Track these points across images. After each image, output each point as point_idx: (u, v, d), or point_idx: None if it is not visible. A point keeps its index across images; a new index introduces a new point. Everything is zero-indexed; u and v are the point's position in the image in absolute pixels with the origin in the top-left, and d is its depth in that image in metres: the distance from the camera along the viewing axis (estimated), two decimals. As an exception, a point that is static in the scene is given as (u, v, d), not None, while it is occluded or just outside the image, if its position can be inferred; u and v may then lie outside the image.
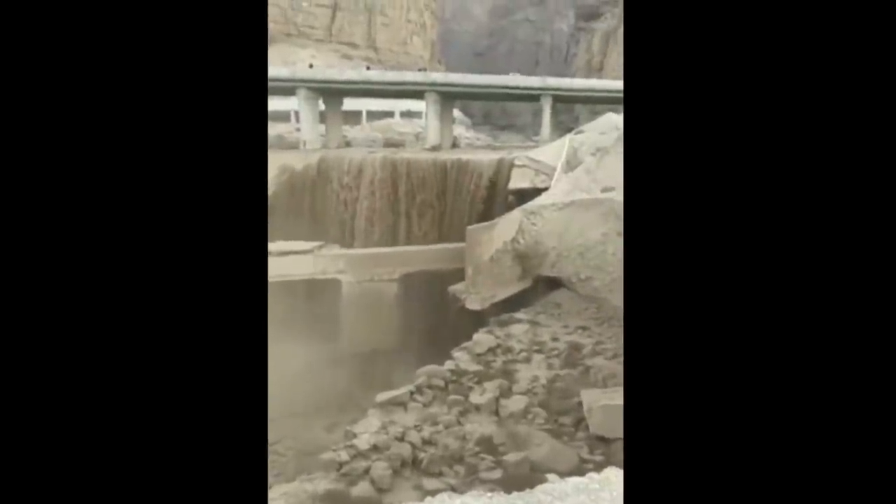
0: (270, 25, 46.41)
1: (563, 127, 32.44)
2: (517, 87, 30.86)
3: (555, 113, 30.83)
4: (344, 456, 7.83)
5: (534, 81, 31.05)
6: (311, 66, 34.97)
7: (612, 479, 3.85)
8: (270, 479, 9.84)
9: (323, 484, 7.48)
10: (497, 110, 58.03)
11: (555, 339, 11.25)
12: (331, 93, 28.82)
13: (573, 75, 47.21)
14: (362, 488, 7.30)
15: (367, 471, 7.58)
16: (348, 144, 29.92)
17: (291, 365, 14.35)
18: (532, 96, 30.96)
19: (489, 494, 4.03)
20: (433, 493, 6.72)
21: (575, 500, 3.63)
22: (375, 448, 7.99)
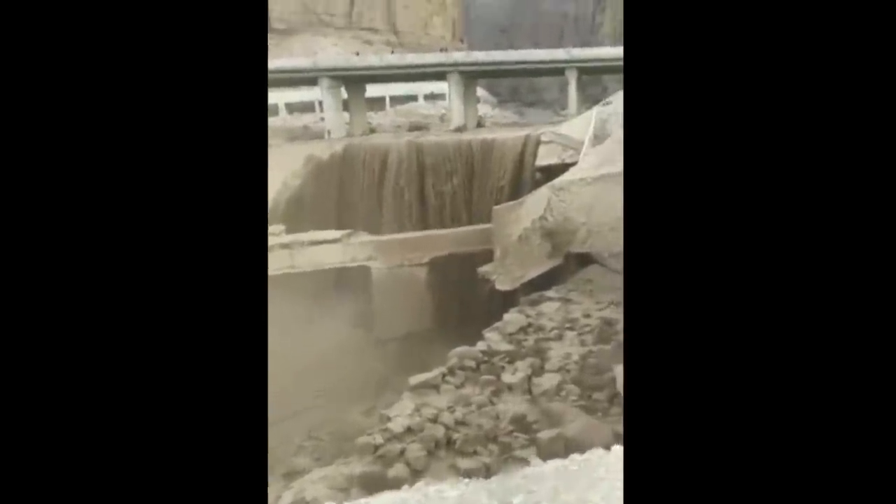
0: (291, 16, 46.61)
1: (591, 99, 31.65)
2: (541, 62, 30.18)
3: (581, 85, 30.08)
4: (379, 439, 7.94)
5: (558, 54, 30.27)
6: (357, 54, 35.15)
7: (593, 461, 3.72)
8: (310, 464, 10.10)
9: (359, 467, 7.62)
10: (524, 86, 56.94)
11: (587, 316, 11.09)
12: (353, 80, 28.82)
13: (600, 44, 45.81)
14: (398, 470, 7.40)
15: (401, 453, 7.67)
16: (373, 131, 29.91)
17: (329, 353, 14.63)
18: (557, 70, 30.24)
19: (466, 480, 4.01)
20: (468, 472, 6.78)
21: (552, 483, 3.54)
22: (409, 430, 8.07)
